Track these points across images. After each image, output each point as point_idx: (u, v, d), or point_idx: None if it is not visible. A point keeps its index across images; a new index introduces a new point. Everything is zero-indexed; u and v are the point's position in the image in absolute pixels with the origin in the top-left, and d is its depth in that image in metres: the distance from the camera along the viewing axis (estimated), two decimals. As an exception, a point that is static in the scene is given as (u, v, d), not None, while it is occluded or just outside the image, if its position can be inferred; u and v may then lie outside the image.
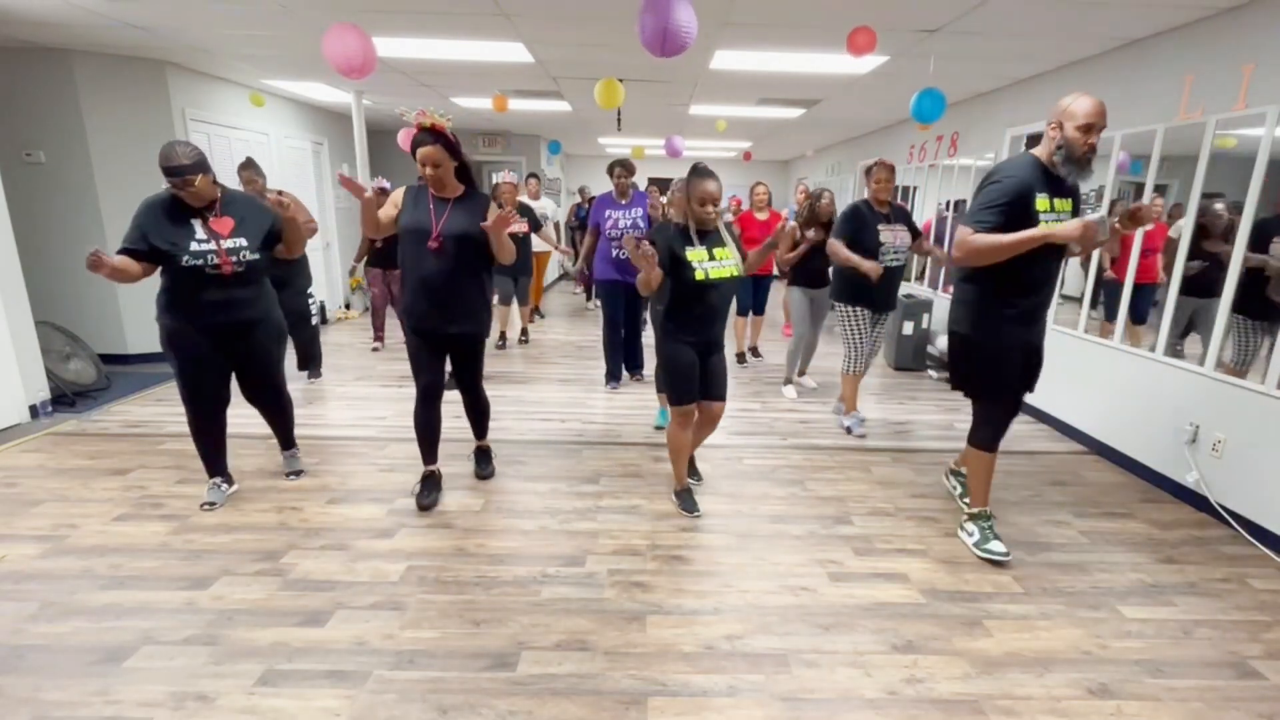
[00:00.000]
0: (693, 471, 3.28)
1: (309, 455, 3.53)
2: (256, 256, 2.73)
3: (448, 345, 2.89)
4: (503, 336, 6.20)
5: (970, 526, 2.75)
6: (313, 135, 7.17)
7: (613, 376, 4.91)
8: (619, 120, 6.68)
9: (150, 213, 2.57)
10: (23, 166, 4.66)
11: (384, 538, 2.69)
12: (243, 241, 2.69)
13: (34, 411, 4.03)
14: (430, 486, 3.02)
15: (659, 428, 4.02)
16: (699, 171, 2.67)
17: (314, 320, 5.01)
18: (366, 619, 2.17)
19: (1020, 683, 1.96)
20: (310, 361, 4.93)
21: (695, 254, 2.65)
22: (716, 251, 2.70)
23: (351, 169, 7.00)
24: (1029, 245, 2.31)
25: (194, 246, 2.59)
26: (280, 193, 4.07)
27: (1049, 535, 2.87)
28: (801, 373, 5.02)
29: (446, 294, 2.73)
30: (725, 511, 3.00)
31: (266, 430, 3.92)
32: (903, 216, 3.94)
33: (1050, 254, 2.41)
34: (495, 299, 6.09)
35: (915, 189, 6.70)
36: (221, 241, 2.64)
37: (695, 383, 2.82)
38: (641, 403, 4.56)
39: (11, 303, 3.91)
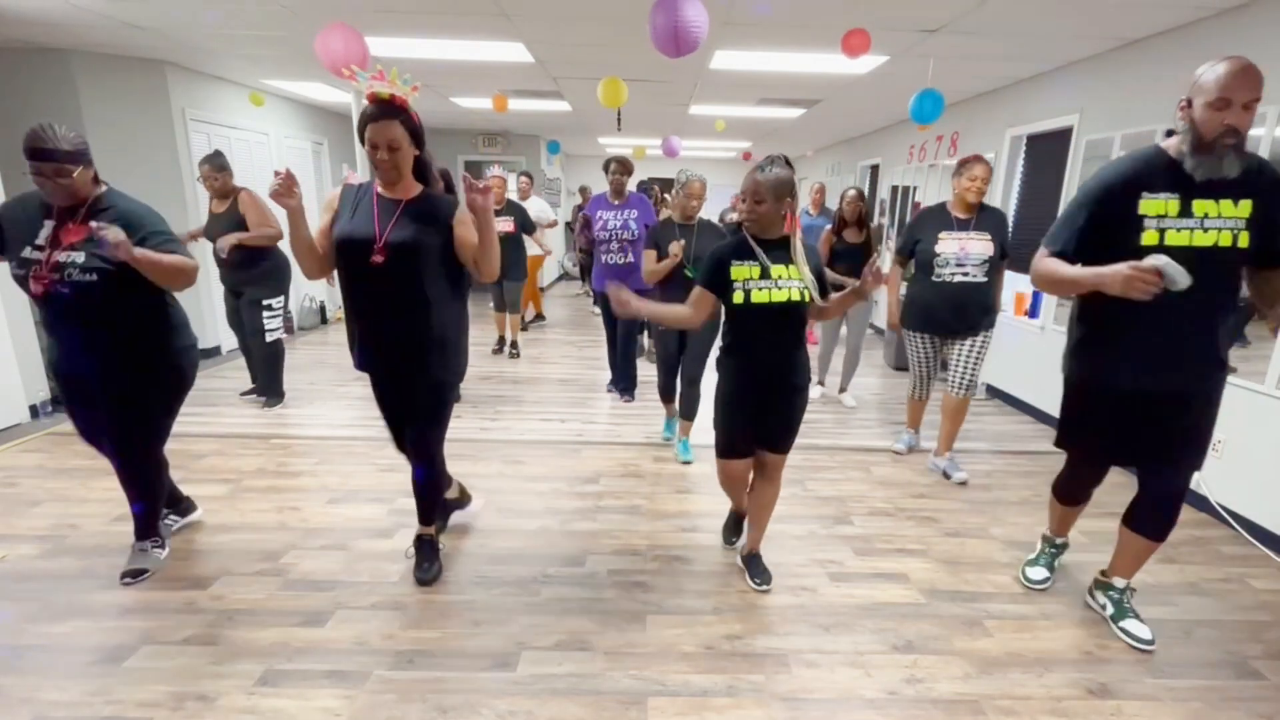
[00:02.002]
0: (736, 530, 2.70)
1: (308, 455, 3.53)
2: (93, 279, 2.01)
3: (398, 391, 2.31)
4: (500, 340, 6.03)
5: (1039, 545, 2.55)
6: (313, 135, 7.17)
7: (612, 383, 4.78)
8: (619, 120, 6.68)
9: (25, 200, 2.11)
10: (22, 166, 4.64)
11: (384, 538, 2.69)
12: (76, 257, 2.00)
13: (34, 411, 4.02)
14: (429, 553, 2.43)
15: (667, 439, 3.86)
16: (780, 161, 2.10)
17: (274, 337, 4.18)
18: (366, 619, 2.17)
19: (1020, 683, 1.96)
20: (265, 388, 4.32)
21: (740, 271, 2.09)
22: (775, 269, 2.09)
23: (351, 169, 6.99)
24: (1086, 287, 1.83)
25: (25, 252, 2.01)
26: (239, 191, 3.83)
27: (1049, 535, 2.87)
28: (842, 389, 4.73)
29: (393, 325, 2.12)
30: (725, 512, 3.00)
31: (267, 430, 3.94)
32: (993, 227, 3.21)
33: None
34: (489, 305, 6.04)
35: (915, 188, 6.71)
36: (56, 252, 1.99)
37: (747, 434, 2.27)
38: (643, 404, 4.56)
39: (11, 303, 3.91)
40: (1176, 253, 1.73)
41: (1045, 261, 1.94)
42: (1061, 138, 4.39)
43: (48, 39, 4.35)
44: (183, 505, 2.71)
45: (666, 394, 3.81)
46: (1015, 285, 4.53)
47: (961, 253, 3.16)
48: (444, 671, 1.95)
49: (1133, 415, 2.01)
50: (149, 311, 2.20)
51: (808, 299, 2.11)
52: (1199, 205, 1.79)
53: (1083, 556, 2.68)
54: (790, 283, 2.09)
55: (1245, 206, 1.78)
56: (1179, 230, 1.79)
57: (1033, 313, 4.63)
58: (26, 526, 2.72)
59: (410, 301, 2.10)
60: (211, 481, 3.17)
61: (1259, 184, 1.78)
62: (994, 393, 4.98)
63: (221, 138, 5.60)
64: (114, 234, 1.92)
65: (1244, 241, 1.79)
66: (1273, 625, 2.28)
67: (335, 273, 2.14)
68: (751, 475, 2.43)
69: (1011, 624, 2.24)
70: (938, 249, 3.20)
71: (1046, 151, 4.63)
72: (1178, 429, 1.98)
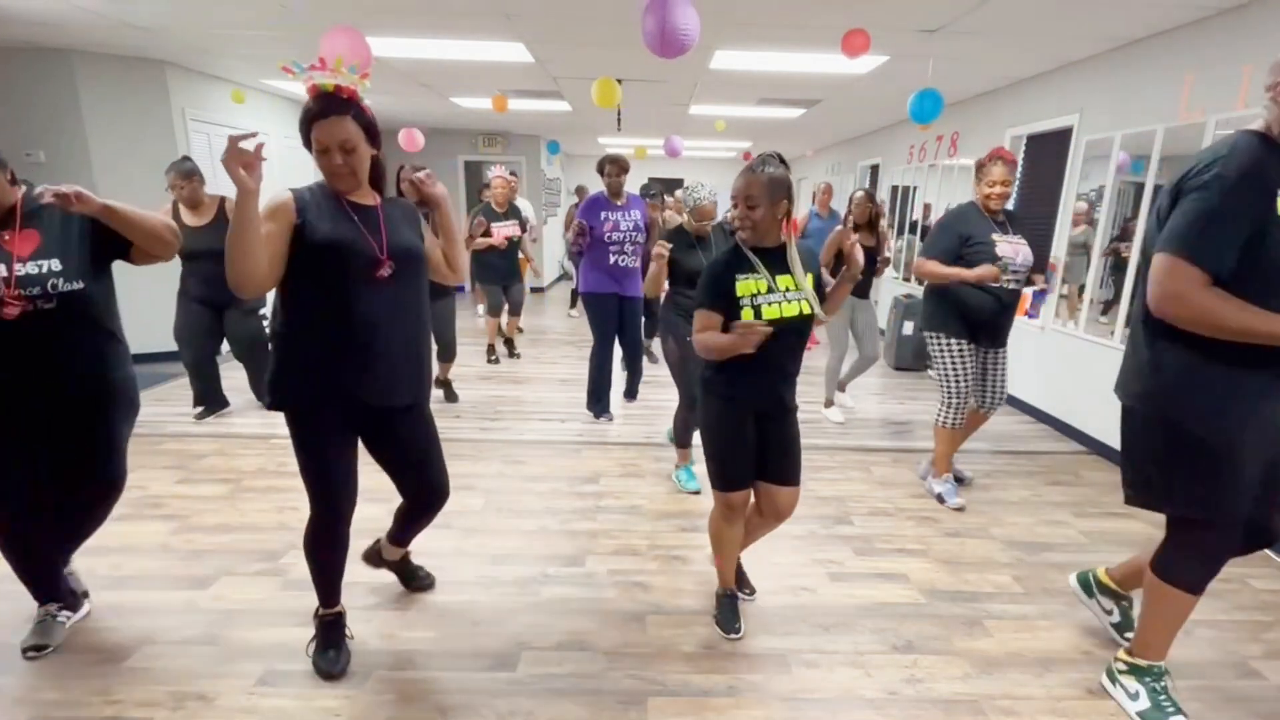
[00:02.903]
0: (739, 579, 2.37)
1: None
2: (80, 285, 1.76)
3: (375, 427, 1.88)
4: (491, 349, 5.75)
5: (1133, 685, 1.87)
6: (313, 135, 7.16)
7: (597, 404, 4.22)
8: (619, 120, 6.68)
9: None
10: (23, 166, 4.64)
11: (384, 538, 2.69)
12: (53, 265, 1.72)
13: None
14: (334, 637, 1.98)
15: (694, 491, 3.20)
16: (773, 159, 1.89)
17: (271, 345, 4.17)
18: (366, 619, 2.17)
19: (1020, 683, 1.96)
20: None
21: (747, 285, 1.87)
22: (780, 279, 1.90)
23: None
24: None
25: None
26: (225, 200, 3.54)
27: (1049, 535, 2.87)
28: (841, 388, 4.50)
29: (403, 346, 1.79)
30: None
31: (266, 430, 3.92)
32: (1023, 230, 3.03)
33: None
34: (481, 309, 5.90)
35: (915, 189, 6.71)
36: (14, 265, 1.69)
37: (749, 459, 2.06)
38: (645, 404, 4.55)
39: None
40: None
41: (1216, 304, 1.47)
42: (1061, 138, 4.40)
43: (48, 39, 4.35)
44: (75, 597, 2.16)
45: (689, 436, 3.26)
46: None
47: (1019, 257, 2.90)
48: (444, 671, 1.95)
49: (1263, 457, 1.67)
50: (115, 331, 1.95)
51: (810, 311, 1.94)
52: None
53: (1083, 556, 2.68)
54: (796, 294, 1.91)
55: None
56: None
57: (1032, 313, 4.63)
58: (26, 526, 2.72)
59: (417, 318, 1.83)
60: (211, 481, 3.18)
61: None
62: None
63: (222, 138, 5.59)
64: (66, 188, 1.60)
65: None
66: (1273, 625, 2.28)
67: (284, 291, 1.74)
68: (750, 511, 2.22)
69: (1011, 624, 2.24)
70: (999, 251, 2.85)
71: (1046, 151, 4.63)
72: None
